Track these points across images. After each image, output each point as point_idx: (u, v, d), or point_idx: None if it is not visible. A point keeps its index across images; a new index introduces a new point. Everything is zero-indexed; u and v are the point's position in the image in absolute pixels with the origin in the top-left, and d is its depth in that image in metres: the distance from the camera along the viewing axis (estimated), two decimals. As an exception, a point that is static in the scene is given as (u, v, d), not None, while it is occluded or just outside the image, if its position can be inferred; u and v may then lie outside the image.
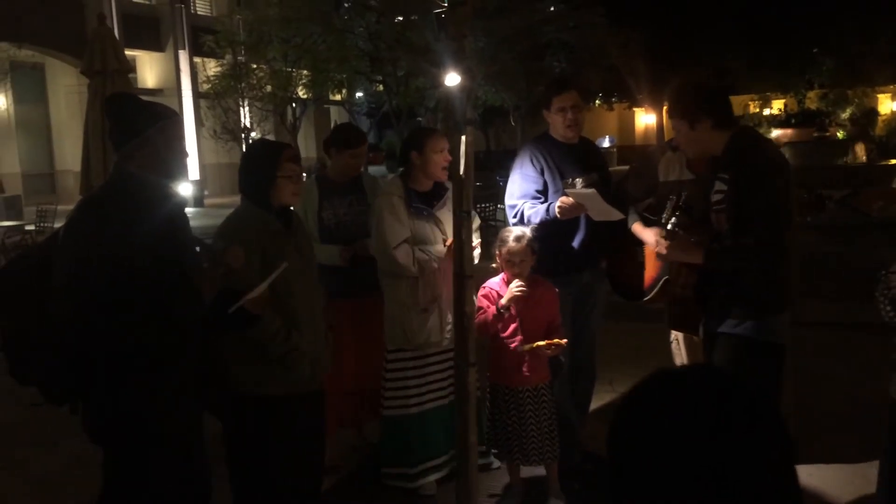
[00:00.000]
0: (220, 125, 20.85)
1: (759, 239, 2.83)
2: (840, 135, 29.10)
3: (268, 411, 2.95)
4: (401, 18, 16.29)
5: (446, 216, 3.71)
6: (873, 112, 30.68)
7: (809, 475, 3.82)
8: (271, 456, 2.97)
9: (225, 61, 20.75)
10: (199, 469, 2.75)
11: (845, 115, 30.83)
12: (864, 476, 3.76)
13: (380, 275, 3.84)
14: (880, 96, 32.04)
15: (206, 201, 21.86)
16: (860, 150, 24.02)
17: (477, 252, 3.79)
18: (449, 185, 3.80)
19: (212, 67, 21.67)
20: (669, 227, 3.11)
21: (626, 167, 4.58)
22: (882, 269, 2.37)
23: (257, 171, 3.03)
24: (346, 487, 3.97)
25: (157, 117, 2.63)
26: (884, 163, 21.21)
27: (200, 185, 22.17)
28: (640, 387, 0.98)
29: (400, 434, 3.85)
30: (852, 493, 3.66)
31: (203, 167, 23.44)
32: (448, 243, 3.69)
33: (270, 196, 3.00)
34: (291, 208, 3.21)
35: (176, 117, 2.74)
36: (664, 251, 3.09)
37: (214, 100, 20.89)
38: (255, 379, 2.94)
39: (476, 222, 4.00)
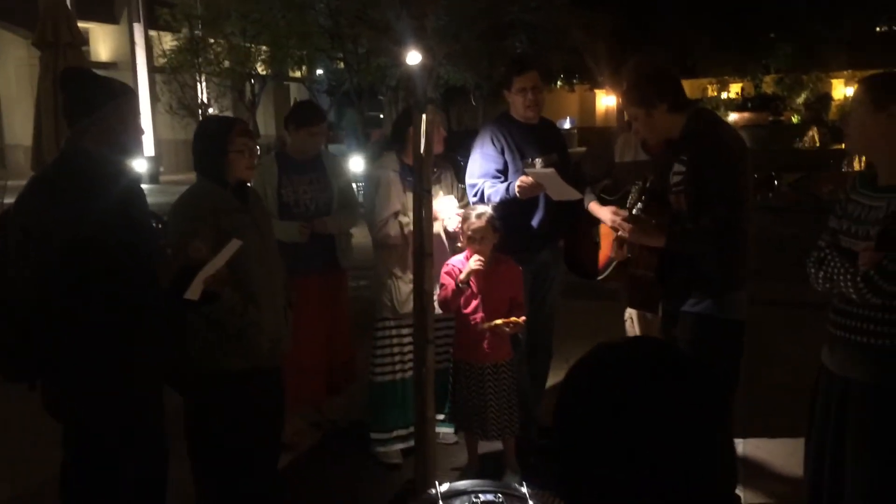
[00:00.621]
0: (176, 101, 20.46)
1: (717, 219, 2.88)
2: (795, 119, 29.72)
3: (226, 386, 2.95)
4: (363, -5, 16.12)
5: (439, 191, 3.88)
6: (827, 97, 31.36)
7: (757, 448, 3.95)
8: (229, 431, 2.97)
9: (181, 35, 20.32)
10: (158, 444, 2.75)
11: (800, 99, 31.46)
12: (803, 449, 3.90)
13: (372, 245, 4.00)
14: (834, 82, 32.71)
15: (162, 178, 21.49)
16: (814, 135, 24.55)
17: (454, 224, 3.82)
18: (439, 163, 3.93)
19: (168, 41, 21.20)
20: (635, 211, 3.15)
21: (586, 148, 4.63)
22: (823, 249, 2.45)
23: (209, 147, 3.01)
24: (304, 464, 3.99)
25: (113, 94, 2.59)
26: (836, 147, 21.72)
27: (155, 161, 21.77)
28: (582, 360, 1.02)
29: (382, 400, 3.97)
30: (795, 464, 3.79)
31: (158, 143, 23.01)
32: (437, 218, 3.74)
33: (225, 172, 2.99)
34: (249, 184, 3.20)
35: (132, 94, 2.71)
36: (626, 235, 3.14)
37: (170, 74, 20.48)
38: (213, 354, 2.94)
39: (465, 201, 4.03)
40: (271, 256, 3.13)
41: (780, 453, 3.91)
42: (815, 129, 25.58)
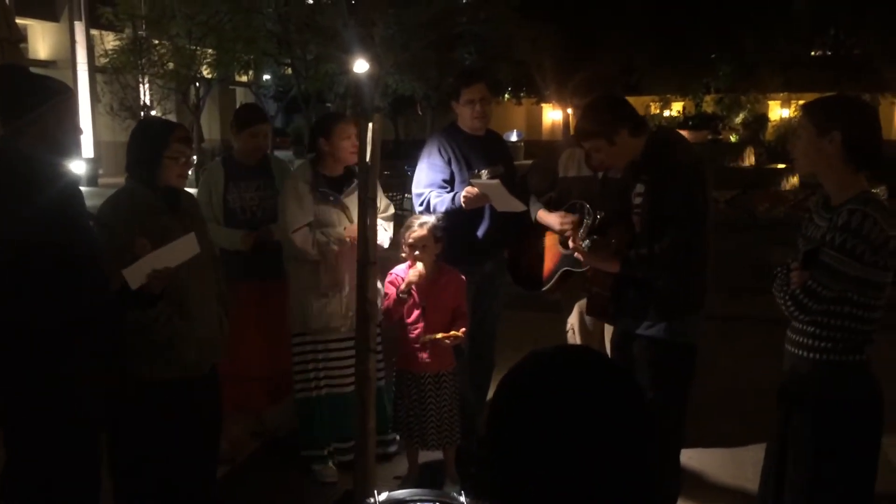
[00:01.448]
0: (117, 102, 19.95)
1: (673, 244, 2.87)
2: (733, 138, 30.56)
3: (149, 396, 2.88)
4: (311, 1, 16.03)
5: (355, 202, 3.70)
6: (764, 118, 32.34)
7: (690, 458, 4.02)
8: (153, 442, 2.90)
9: (124, 35, 19.86)
10: (93, 450, 2.69)
11: (738, 119, 32.36)
12: (739, 459, 4.00)
13: (284, 258, 3.84)
14: (771, 103, 33.74)
15: (101, 180, 20.93)
16: (750, 154, 25.28)
17: (387, 238, 3.81)
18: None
19: (110, 41, 20.68)
20: (585, 246, 3.15)
21: (532, 161, 4.67)
22: (777, 267, 2.51)
23: (143, 149, 2.95)
24: (244, 475, 3.93)
25: (50, 93, 2.53)
26: (771, 166, 22.40)
27: (94, 163, 21.19)
28: (513, 369, 1.03)
29: (308, 417, 3.88)
30: (729, 474, 3.89)
31: (98, 145, 22.40)
32: (348, 229, 3.69)
33: (156, 176, 2.93)
34: (191, 190, 3.15)
35: (69, 93, 2.64)
36: (582, 258, 3.15)
37: (112, 75, 19.97)
38: (136, 362, 2.87)
39: (390, 210, 4.02)
40: (203, 263, 3.07)
41: (716, 463, 4.00)
42: (752, 148, 26.35)
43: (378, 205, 3.97)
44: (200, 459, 3.11)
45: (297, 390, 3.88)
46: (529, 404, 0.99)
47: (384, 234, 3.80)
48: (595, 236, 3.17)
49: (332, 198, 3.75)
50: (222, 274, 3.27)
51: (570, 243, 3.28)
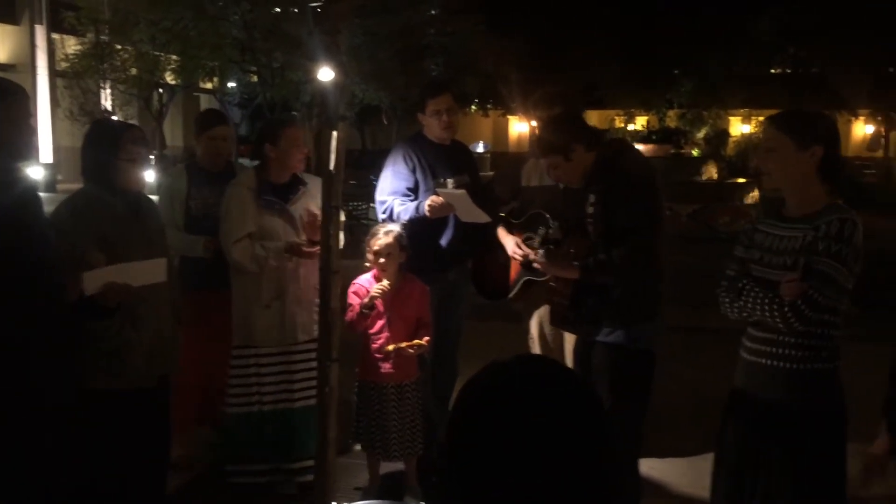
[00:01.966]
0: (77, 106, 19.64)
1: (629, 250, 2.92)
2: (695, 153, 31.05)
3: (95, 406, 2.78)
4: (278, 10, 15.96)
5: (302, 210, 3.64)
6: (725, 133, 32.92)
7: (652, 468, 4.05)
8: (94, 454, 2.80)
9: (86, 39, 19.57)
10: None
11: (700, 134, 32.91)
12: (699, 469, 4.03)
13: (230, 269, 3.71)
14: (732, 119, 34.39)
15: (60, 186, 20.51)
16: (712, 169, 25.71)
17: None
18: (308, 179, 3.75)
19: (71, 45, 20.37)
20: (540, 255, 3.17)
21: (495, 171, 4.70)
22: (741, 280, 2.51)
23: (98, 152, 2.89)
24: (198, 486, 3.85)
25: (2, 94, 2.46)
26: (732, 181, 22.78)
27: (53, 168, 20.79)
28: (472, 379, 1.03)
29: (240, 432, 3.72)
30: (688, 484, 3.92)
31: (57, 150, 22.00)
32: (295, 242, 3.59)
33: (113, 179, 2.86)
34: (151, 197, 3.09)
35: (23, 94, 2.57)
36: (541, 267, 3.17)
37: (73, 79, 19.67)
38: (85, 371, 2.78)
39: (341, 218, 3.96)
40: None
41: (676, 473, 4.03)
42: (714, 163, 26.79)
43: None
44: (148, 470, 3.03)
45: (232, 404, 3.72)
46: (488, 413, 0.99)
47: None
48: (551, 246, 3.18)
49: (277, 206, 3.64)
50: (178, 283, 3.21)
51: (530, 256, 3.29)
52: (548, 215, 3.41)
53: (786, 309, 2.33)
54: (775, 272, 2.41)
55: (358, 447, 3.89)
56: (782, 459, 2.44)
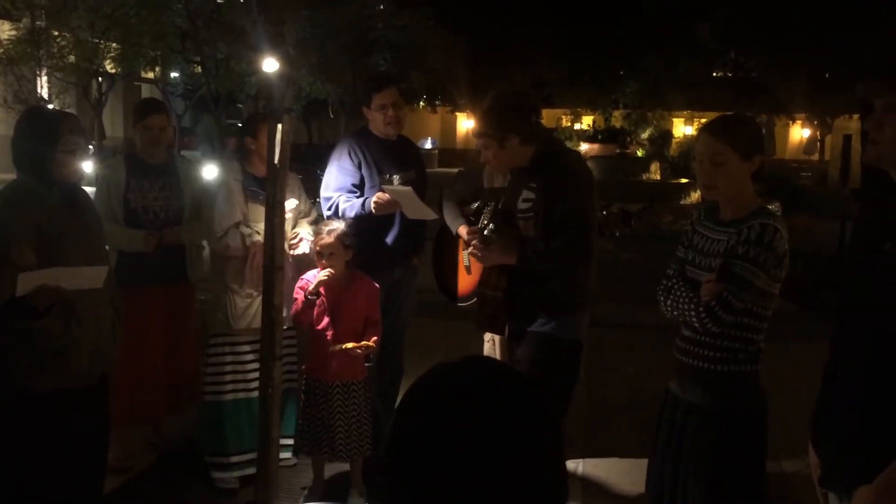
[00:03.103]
0: (11, 94, 18.94)
1: (569, 241, 2.98)
2: (639, 153, 31.62)
3: (34, 407, 2.68)
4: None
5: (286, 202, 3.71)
6: (668, 134, 33.61)
7: (595, 466, 4.10)
8: (35, 457, 2.70)
9: (21, 25, 18.89)
10: None
11: (645, 135, 33.52)
12: (641, 466, 4.08)
13: (210, 256, 3.84)
14: (675, 120, 35.13)
15: (-7, 176, 19.83)
16: (656, 168, 26.22)
17: (307, 244, 3.72)
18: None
19: (6, 30, 19.64)
20: (487, 232, 3.20)
21: (448, 169, 4.67)
22: (670, 280, 2.57)
23: (35, 143, 2.75)
24: (136, 487, 3.75)
25: None
26: (675, 181, 23.26)
27: (-14, 157, 20.07)
28: (418, 380, 1.02)
29: (218, 421, 3.76)
30: (632, 483, 3.97)
31: (-10, 138, 21.23)
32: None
33: (51, 170, 2.74)
34: (87, 188, 2.98)
35: None
36: (479, 254, 3.18)
37: (7, 66, 18.96)
38: (23, 372, 2.68)
39: (314, 214, 3.94)
40: (100, 263, 2.90)
41: (619, 472, 4.07)
42: (658, 163, 27.31)
43: (303, 207, 3.92)
44: (86, 471, 2.93)
45: (209, 392, 3.77)
46: (433, 415, 0.98)
47: (308, 237, 3.75)
48: (487, 233, 3.20)
49: (261, 197, 3.67)
50: (114, 278, 3.10)
51: (471, 248, 3.29)
52: (491, 205, 3.41)
53: (700, 309, 2.39)
54: (703, 273, 2.46)
55: (289, 455, 3.85)
56: (700, 459, 2.48)
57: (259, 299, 3.66)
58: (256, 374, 3.72)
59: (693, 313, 2.41)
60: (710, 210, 2.57)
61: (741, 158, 2.39)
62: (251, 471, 3.69)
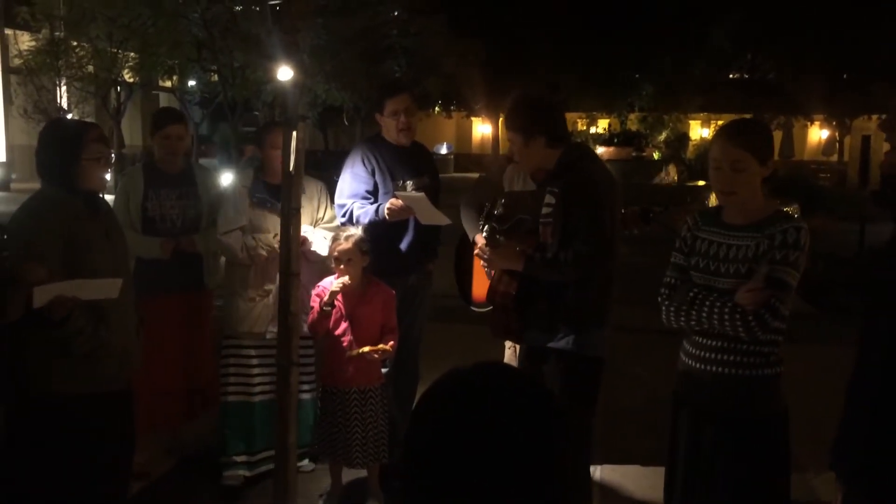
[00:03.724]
0: (31, 104, 19.16)
1: (579, 253, 2.91)
2: (656, 155, 31.43)
3: (64, 412, 2.73)
4: (238, 8, 15.75)
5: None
6: (685, 137, 33.41)
7: (612, 472, 4.08)
8: (63, 462, 2.74)
9: (41, 35, 19.11)
10: None
11: (661, 137, 33.35)
12: (655, 472, 4.06)
13: (226, 263, 3.96)
14: (692, 122, 34.92)
15: (14, 185, 20.06)
16: (672, 171, 26.08)
17: (321, 246, 3.74)
18: (305, 181, 3.78)
19: (25, 41, 19.88)
20: (484, 234, 3.18)
21: (464, 174, 4.65)
22: (692, 290, 2.51)
23: (60, 152, 2.79)
24: (156, 493, 3.78)
25: None
26: (692, 184, 23.11)
27: (7, 167, 20.32)
28: (432, 385, 1.02)
29: (227, 421, 3.85)
30: (649, 488, 3.95)
31: (11, 149, 21.49)
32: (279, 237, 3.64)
33: (75, 180, 2.78)
34: (105, 196, 3.02)
35: None
36: (486, 257, 3.18)
37: (27, 76, 19.19)
38: (53, 377, 2.72)
39: (335, 221, 3.92)
40: (123, 270, 2.95)
41: (635, 477, 4.05)
42: (674, 165, 27.14)
43: (321, 215, 3.95)
44: (114, 476, 2.97)
45: (223, 393, 3.85)
46: (448, 420, 0.98)
47: (324, 242, 3.76)
48: (500, 237, 3.16)
49: (269, 204, 3.77)
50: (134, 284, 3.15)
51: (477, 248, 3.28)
52: (528, 218, 3.38)
53: (749, 318, 2.32)
54: (724, 280, 2.41)
55: (306, 462, 3.87)
56: (728, 464, 2.46)
57: (262, 304, 3.74)
58: (260, 379, 3.80)
59: (739, 323, 2.34)
60: (709, 215, 2.53)
61: (759, 163, 2.39)
62: (260, 469, 3.78)
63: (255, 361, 3.83)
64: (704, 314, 2.42)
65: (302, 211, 3.82)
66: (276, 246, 3.62)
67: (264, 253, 3.72)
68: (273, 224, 3.69)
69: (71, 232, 2.74)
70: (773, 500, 2.47)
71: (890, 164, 1.92)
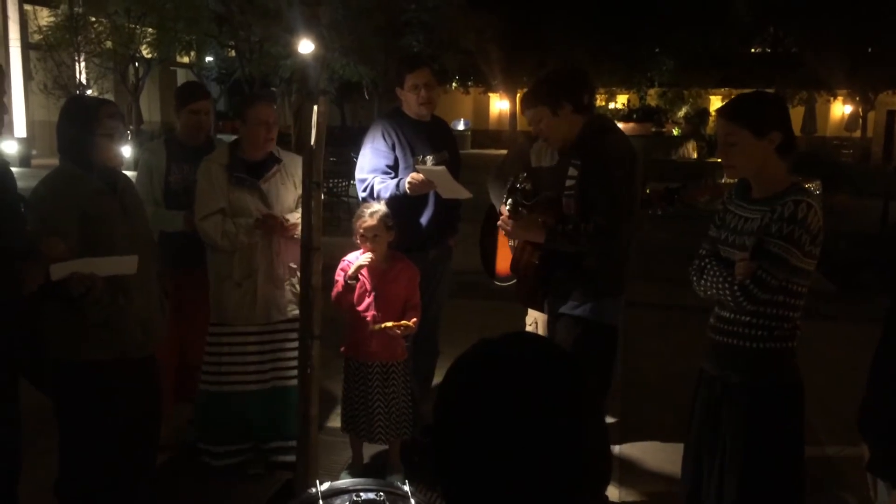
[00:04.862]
0: (51, 80, 19.28)
1: (598, 225, 2.94)
2: (675, 131, 31.16)
3: (94, 378, 2.80)
4: (256, -18, 15.70)
5: (275, 188, 3.64)
6: (705, 112, 33.03)
7: (632, 447, 4.09)
8: (98, 426, 2.82)
9: (60, 11, 19.17)
10: (9, 438, 2.60)
11: (681, 113, 33.01)
12: (674, 446, 4.07)
13: (205, 247, 3.69)
14: (712, 98, 34.49)
15: (34, 161, 20.21)
16: (692, 147, 25.82)
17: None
18: (286, 156, 3.71)
19: (45, 17, 19.95)
20: (508, 207, 3.20)
21: (481, 151, 4.64)
22: (703, 259, 2.57)
23: (75, 129, 2.83)
24: (180, 464, 3.83)
25: None
26: (712, 160, 22.89)
27: (27, 143, 20.46)
28: (462, 356, 1.02)
29: (210, 410, 3.71)
30: (669, 462, 3.96)
31: (31, 124, 21.62)
32: (265, 215, 3.56)
33: (91, 155, 2.82)
34: (125, 172, 3.05)
35: None
36: (508, 229, 3.19)
37: (46, 52, 19.29)
38: (76, 344, 2.78)
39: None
40: (142, 244, 2.97)
41: (655, 452, 4.06)
42: (694, 141, 26.88)
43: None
44: (140, 444, 3.03)
45: (203, 382, 3.70)
46: (476, 392, 0.98)
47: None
48: (521, 209, 3.17)
49: (248, 183, 3.59)
50: (159, 255, 3.19)
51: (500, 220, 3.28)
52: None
53: (735, 288, 2.39)
54: (736, 252, 2.46)
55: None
56: (737, 435, 2.48)
57: (248, 289, 3.58)
58: (249, 368, 3.66)
59: (728, 292, 2.42)
60: (742, 189, 2.55)
61: (754, 136, 2.40)
62: (233, 460, 3.70)
63: (251, 349, 3.67)
64: (709, 283, 2.51)
65: (283, 187, 3.68)
66: (257, 230, 3.55)
67: (245, 239, 3.55)
68: (254, 205, 3.59)
69: (88, 207, 2.77)
70: (782, 471, 2.47)
71: None
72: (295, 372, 3.61)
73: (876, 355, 2.08)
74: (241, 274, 3.60)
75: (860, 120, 29.55)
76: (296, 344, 3.59)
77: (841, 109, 33.43)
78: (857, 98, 28.80)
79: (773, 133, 2.40)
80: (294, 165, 3.65)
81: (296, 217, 3.56)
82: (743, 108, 2.47)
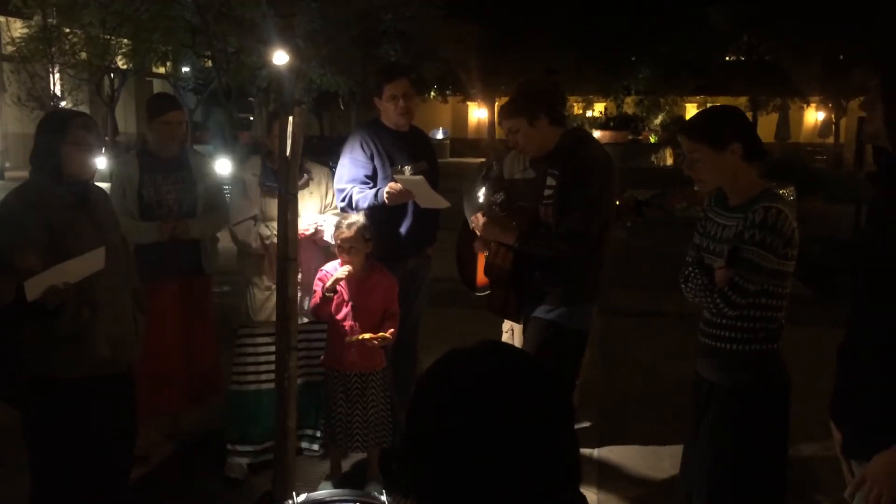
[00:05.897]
0: (25, 92, 19.04)
1: (570, 230, 3.01)
2: (652, 139, 31.42)
3: (61, 395, 2.76)
4: (231, -8, 15.65)
5: (306, 198, 3.81)
6: (681, 120, 33.30)
7: (610, 452, 4.11)
8: (67, 442, 2.78)
9: (33, 22, 18.97)
10: None
11: (657, 121, 33.31)
12: (657, 452, 4.10)
13: (238, 252, 3.98)
14: (688, 105, 34.84)
15: (8, 174, 19.97)
16: (668, 154, 26.04)
17: (329, 232, 3.73)
18: (312, 168, 3.93)
19: (18, 28, 19.74)
20: (481, 198, 3.23)
21: (460, 159, 4.66)
22: (689, 268, 2.60)
23: (44, 138, 2.80)
24: (156, 478, 3.80)
25: None
26: (688, 167, 23.05)
27: (1, 156, 20.23)
28: (433, 365, 1.03)
29: (239, 410, 3.82)
30: (647, 467, 3.98)
31: (5, 137, 21.40)
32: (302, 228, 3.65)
33: (59, 166, 2.79)
34: (101, 183, 3.01)
35: None
36: (480, 229, 3.21)
37: (20, 64, 19.07)
38: (44, 360, 2.74)
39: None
40: (113, 258, 2.94)
41: (634, 458, 4.08)
42: (670, 149, 27.13)
43: (329, 200, 3.96)
44: (116, 460, 2.99)
45: (232, 382, 3.84)
46: (448, 400, 0.99)
47: (331, 227, 3.74)
48: (496, 207, 3.24)
49: (278, 191, 3.70)
50: (136, 271, 3.15)
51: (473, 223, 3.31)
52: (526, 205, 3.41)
53: (715, 295, 2.45)
54: (716, 259, 2.52)
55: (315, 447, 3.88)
56: (721, 437, 2.51)
57: (273, 294, 3.72)
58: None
59: (709, 299, 2.48)
60: (720, 197, 2.61)
61: (714, 150, 2.46)
62: (267, 457, 3.75)
63: (273, 349, 3.79)
64: (693, 290, 2.56)
65: (310, 197, 3.89)
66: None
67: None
68: None
69: (56, 220, 2.74)
70: (765, 472, 2.50)
71: (872, 135, 1.96)
72: (316, 370, 3.78)
73: (840, 349, 2.11)
74: (271, 277, 3.77)
75: (833, 126, 29.97)
76: (320, 343, 3.79)
77: (814, 116, 33.88)
78: (830, 105, 29.20)
79: (733, 145, 2.45)
80: (317, 173, 3.96)
81: (325, 224, 3.81)
82: (700, 125, 2.55)
